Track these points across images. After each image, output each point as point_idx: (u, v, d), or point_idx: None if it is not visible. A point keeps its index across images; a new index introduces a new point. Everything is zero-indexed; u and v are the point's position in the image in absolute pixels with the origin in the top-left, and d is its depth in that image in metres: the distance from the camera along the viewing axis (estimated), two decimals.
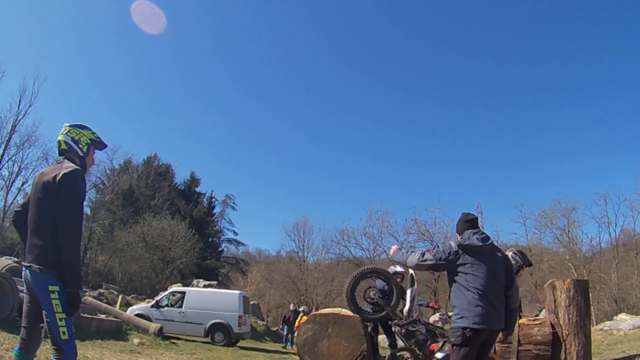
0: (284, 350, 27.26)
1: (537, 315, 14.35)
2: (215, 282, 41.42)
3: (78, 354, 4.75)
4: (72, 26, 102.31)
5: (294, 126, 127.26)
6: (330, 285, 63.86)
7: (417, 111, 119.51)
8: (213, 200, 76.95)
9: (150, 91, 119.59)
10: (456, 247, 6.14)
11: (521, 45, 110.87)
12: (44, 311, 4.50)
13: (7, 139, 46.08)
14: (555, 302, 10.68)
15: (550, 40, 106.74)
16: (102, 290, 34.74)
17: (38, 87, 48.21)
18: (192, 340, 23.26)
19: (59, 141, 5.03)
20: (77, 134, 5.05)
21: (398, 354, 11.63)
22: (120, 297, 32.64)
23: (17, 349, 4.73)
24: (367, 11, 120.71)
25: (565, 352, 9.93)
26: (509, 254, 9.35)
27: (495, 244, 6.60)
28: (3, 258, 18.73)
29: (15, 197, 46.49)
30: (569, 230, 52.86)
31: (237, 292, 27.61)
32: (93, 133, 5.21)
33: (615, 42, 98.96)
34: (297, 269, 64.97)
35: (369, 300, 10.54)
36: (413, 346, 10.03)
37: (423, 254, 6.29)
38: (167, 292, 26.68)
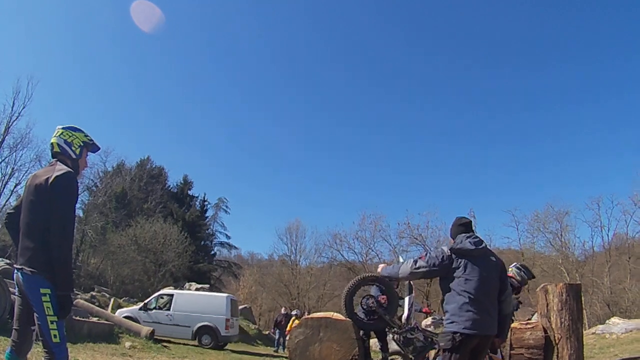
0: (275, 354, 27.24)
1: (529, 319, 14.35)
2: (207, 286, 41.25)
3: (69, 357, 4.73)
4: (67, 27, 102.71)
5: (287, 130, 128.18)
6: (323, 289, 64.26)
7: (410, 116, 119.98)
8: (206, 203, 76.99)
9: (144, 94, 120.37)
10: (449, 251, 6.05)
11: (514, 50, 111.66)
12: (35, 314, 4.49)
13: (0, 140, 45.95)
14: (547, 306, 10.67)
15: (542, 45, 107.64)
16: (94, 293, 34.70)
17: (32, 89, 47.94)
18: (184, 344, 23.24)
19: (51, 143, 5.02)
20: (69, 137, 5.04)
21: (390, 358, 11.64)
22: (112, 300, 32.59)
23: (8, 351, 4.71)
24: (360, 15, 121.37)
25: (557, 356, 9.91)
26: (513, 268, 9.43)
27: (489, 247, 6.47)
28: None
29: (8, 199, 46.36)
30: (561, 234, 53.22)
31: (225, 295, 27.68)
32: (86, 136, 5.20)
33: (607, 46, 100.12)
34: (290, 273, 65.08)
35: (366, 307, 10.51)
36: (410, 353, 10.02)
37: (415, 262, 6.19)
38: (155, 295, 26.60)
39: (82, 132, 5.19)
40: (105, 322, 18.80)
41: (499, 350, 8.03)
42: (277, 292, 64.83)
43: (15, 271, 4.63)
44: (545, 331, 10.07)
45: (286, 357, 12.55)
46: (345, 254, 60.26)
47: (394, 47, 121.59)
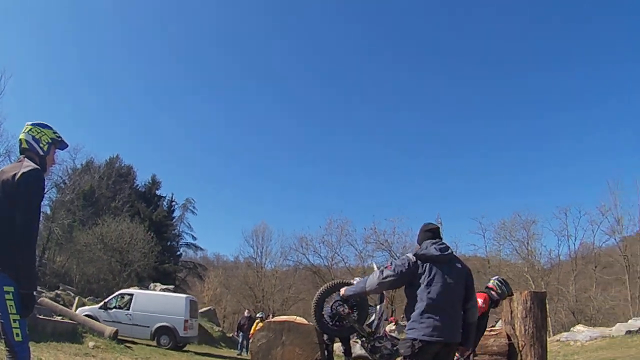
0: (239, 357, 27.26)
1: (493, 326, 14.49)
2: (172, 286, 41.10)
3: (32, 356, 4.75)
4: (39, 24, 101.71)
5: (256, 134, 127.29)
6: (287, 292, 64.17)
7: (380, 122, 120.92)
8: (173, 203, 76.57)
9: (114, 91, 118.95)
10: (414, 257, 5.92)
11: (479, 59, 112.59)
12: None
13: None
14: (512, 313, 10.81)
15: (510, 54, 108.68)
16: (59, 292, 34.36)
17: (5, 83, 47.37)
18: (147, 345, 23.11)
19: (20, 140, 5.05)
20: (38, 133, 5.06)
21: None
22: (77, 299, 32.23)
23: None
24: (333, 20, 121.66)
25: None
26: (495, 281, 9.43)
27: (455, 254, 6.34)
28: None
29: None
30: (528, 243, 53.96)
31: (184, 296, 27.68)
32: (54, 132, 5.20)
33: (578, 55, 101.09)
34: (255, 275, 64.92)
35: (335, 313, 10.48)
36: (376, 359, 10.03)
37: (382, 272, 6.02)
38: (115, 294, 26.40)
39: (51, 128, 5.19)
40: (70, 321, 18.81)
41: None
42: (242, 295, 64.73)
43: None
44: (509, 338, 10.20)
45: None
46: (311, 257, 60.67)
47: (365, 55, 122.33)
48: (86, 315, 22.36)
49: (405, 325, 11.78)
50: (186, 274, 76.00)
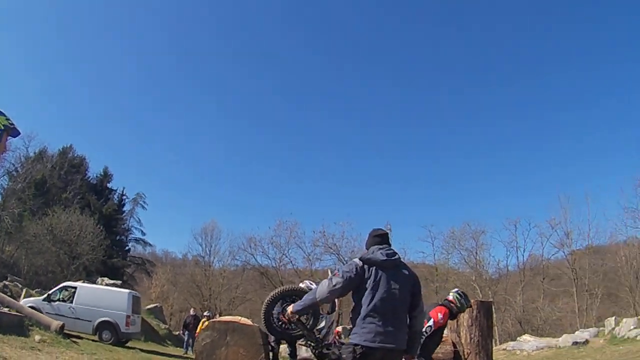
0: (185, 356, 27.18)
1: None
2: (120, 282, 40.86)
3: None
4: None
5: (207, 134, 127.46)
6: (235, 292, 63.97)
7: (329, 128, 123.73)
8: (124, 197, 75.60)
9: (70, 79, 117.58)
10: (360, 262, 5.85)
11: (429, 71, 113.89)
12: None
13: None
14: (458, 321, 10.97)
15: (460, 64, 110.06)
16: (6, 282, 33.96)
17: None
18: (93, 340, 22.99)
19: None
20: None
21: None
22: (24, 290, 31.86)
23: None
24: (261, 15, 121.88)
25: None
26: (455, 294, 9.47)
27: (403, 261, 6.32)
28: None
29: None
30: (476, 252, 54.97)
31: (127, 291, 27.42)
32: (7, 119, 5.22)
33: (525, 69, 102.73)
34: (202, 274, 64.51)
35: (286, 319, 10.51)
36: None
37: (331, 280, 5.87)
38: (59, 286, 26.19)
39: (4, 115, 5.22)
40: (16, 313, 18.55)
41: None
42: (189, 293, 64.28)
43: None
44: (454, 346, 10.39)
45: None
46: (259, 258, 60.72)
47: (310, 56, 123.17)
48: (30, 307, 22.03)
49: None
50: (134, 269, 75.17)
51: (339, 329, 19.31)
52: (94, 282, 35.34)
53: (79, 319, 23.87)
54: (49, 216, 50.59)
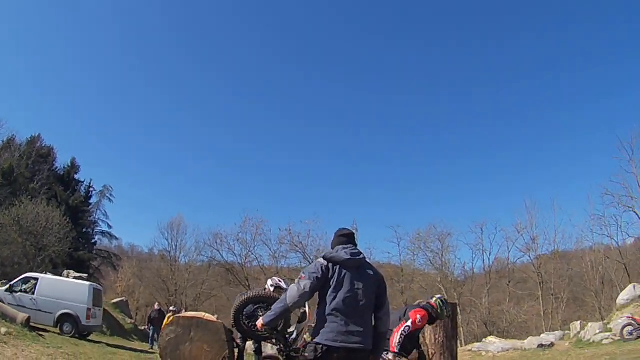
0: (150, 351, 27.00)
1: None
2: (85, 275, 40.39)
3: None
4: None
5: (174, 135, 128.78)
6: (200, 288, 64.27)
7: (297, 129, 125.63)
8: (91, 189, 74.56)
9: (40, 66, 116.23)
10: (324, 260, 5.83)
11: (391, 72, 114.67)
12: None
13: None
14: None
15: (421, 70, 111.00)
16: None
17: None
18: (58, 334, 22.74)
19: None
20: None
21: None
22: None
23: None
24: (243, 30, 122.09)
25: None
26: (438, 300, 9.31)
27: (369, 261, 6.28)
28: None
29: None
30: (442, 254, 55.54)
31: (88, 283, 26.91)
32: None
33: (489, 74, 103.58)
34: (168, 269, 64.77)
35: (255, 318, 10.40)
36: None
37: (299, 283, 5.75)
38: (22, 277, 25.83)
39: None
40: None
41: None
42: (155, 288, 64.26)
43: None
44: (419, 346, 10.33)
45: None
46: (225, 254, 61.02)
47: (270, 55, 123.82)
48: None
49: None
50: (100, 262, 74.38)
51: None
52: (60, 275, 34.86)
53: (40, 310, 23.49)
54: (15, 206, 49.98)
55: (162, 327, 26.09)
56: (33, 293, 24.12)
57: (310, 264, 6.55)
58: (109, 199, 78.51)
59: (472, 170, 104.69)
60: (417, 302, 9.81)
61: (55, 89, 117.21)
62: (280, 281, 12.06)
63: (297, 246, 55.74)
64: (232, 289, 54.96)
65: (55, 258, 52.10)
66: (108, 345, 23.97)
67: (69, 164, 71.87)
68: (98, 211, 76.84)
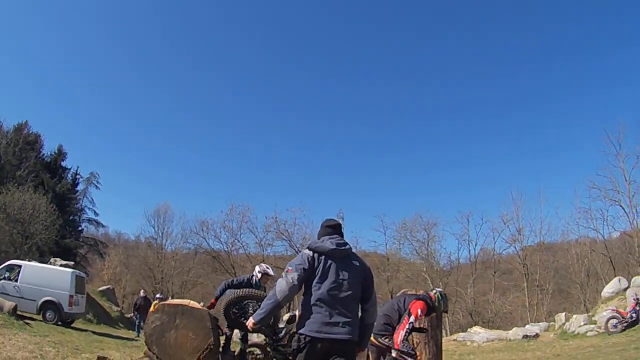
0: (137, 339, 27.01)
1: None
2: (72, 263, 40.35)
3: None
4: None
5: (159, 126, 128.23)
6: (187, 276, 64.17)
7: (282, 121, 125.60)
8: (78, 176, 73.77)
9: (26, 54, 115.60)
10: (310, 251, 5.79)
11: (376, 63, 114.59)
12: None
13: None
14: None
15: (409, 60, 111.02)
16: None
17: None
18: (45, 322, 22.69)
19: None
20: None
21: (248, 349, 11.79)
22: None
23: None
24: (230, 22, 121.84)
25: None
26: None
27: (355, 251, 6.25)
28: None
29: None
30: (428, 244, 55.66)
31: (70, 270, 26.88)
32: None
33: (480, 65, 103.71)
34: (155, 256, 64.51)
35: (245, 311, 10.45)
36: (277, 356, 10.11)
37: (286, 276, 5.64)
38: (5, 264, 25.58)
39: None
40: None
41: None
42: (142, 275, 64.20)
43: None
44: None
45: None
46: (211, 242, 61.14)
47: (262, 50, 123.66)
48: None
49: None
50: (87, 250, 73.63)
51: (286, 316, 19.37)
52: (47, 263, 34.79)
53: (23, 297, 23.35)
54: (2, 194, 49.81)
55: (148, 314, 26.26)
56: (16, 280, 24.02)
57: (297, 252, 6.61)
58: (96, 186, 77.97)
59: (459, 160, 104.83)
60: (420, 292, 9.83)
61: (42, 76, 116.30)
62: (267, 268, 12.17)
63: (283, 234, 55.59)
64: (218, 277, 54.36)
65: (42, 246, 51.80)
66: (94, 333, 23.93)
67: (56, 151, 71.07)
68: (85, 198, 76.24)
